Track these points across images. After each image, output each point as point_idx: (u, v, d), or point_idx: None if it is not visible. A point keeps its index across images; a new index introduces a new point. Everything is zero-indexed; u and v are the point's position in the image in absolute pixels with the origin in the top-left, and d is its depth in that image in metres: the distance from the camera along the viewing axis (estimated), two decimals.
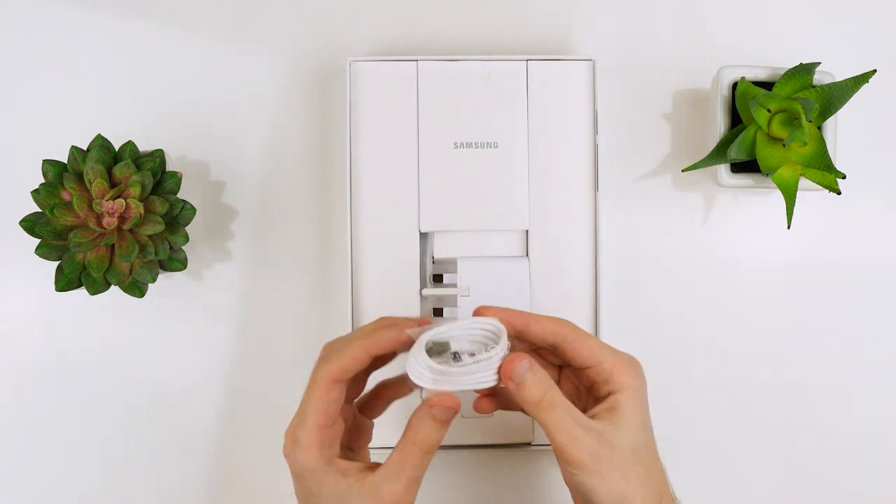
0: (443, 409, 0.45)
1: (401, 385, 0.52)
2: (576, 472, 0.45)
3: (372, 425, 0.52)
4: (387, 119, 0.59)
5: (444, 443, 0.58)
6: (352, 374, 0.46)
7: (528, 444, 0.59)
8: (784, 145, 0.55)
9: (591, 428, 0.45)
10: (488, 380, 0.45)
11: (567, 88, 0.59)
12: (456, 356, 0.46)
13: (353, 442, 0.51)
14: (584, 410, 0.47)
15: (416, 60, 0.59)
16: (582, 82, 0.59)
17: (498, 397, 0.51)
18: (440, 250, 0.60)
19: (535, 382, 0.45)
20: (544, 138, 0.59)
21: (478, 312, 0.47)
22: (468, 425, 0.59)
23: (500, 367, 0.45)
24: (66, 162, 0.57)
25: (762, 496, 0.62)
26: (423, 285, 0.59)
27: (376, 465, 0.46)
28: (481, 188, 0.59)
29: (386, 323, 0.48)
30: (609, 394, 0.47)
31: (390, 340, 0.46)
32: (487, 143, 0.59)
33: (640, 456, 0.46)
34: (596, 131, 0.59)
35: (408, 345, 0.46)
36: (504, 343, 0.46)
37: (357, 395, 0.50)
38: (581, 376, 0.49)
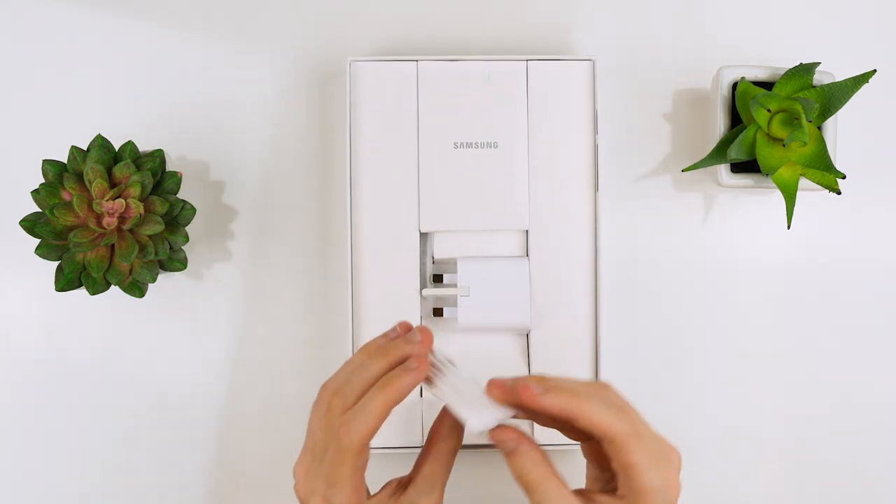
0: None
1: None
2: None
3: None
4: (387, 119, 0.59)
5: None
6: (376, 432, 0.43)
7: None
8: (784, 145, 0.55)
9: None
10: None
11: (567, 88, 0.59)
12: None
13: None
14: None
15: (416, 60, 0.59)
16: (582, 82, 0.59)
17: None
18: (440, 250, 0.60)
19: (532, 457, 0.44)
20: (544, 138, 0.59)
21: (503, 392, 0.45)
22: None
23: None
24: (66, 162, 0.57)
25: (763, 495, 0.62)
26: (423, 285, 0.59)
27: (399, 482, 0.46)
28: (481, 188, 0.59)
29: (390, 359, 0.45)
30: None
31: (409, 388, 0.43)
32: (487, 143, 0.59)
33: None
34: (596, 131, 0.59)
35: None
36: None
37: None
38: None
